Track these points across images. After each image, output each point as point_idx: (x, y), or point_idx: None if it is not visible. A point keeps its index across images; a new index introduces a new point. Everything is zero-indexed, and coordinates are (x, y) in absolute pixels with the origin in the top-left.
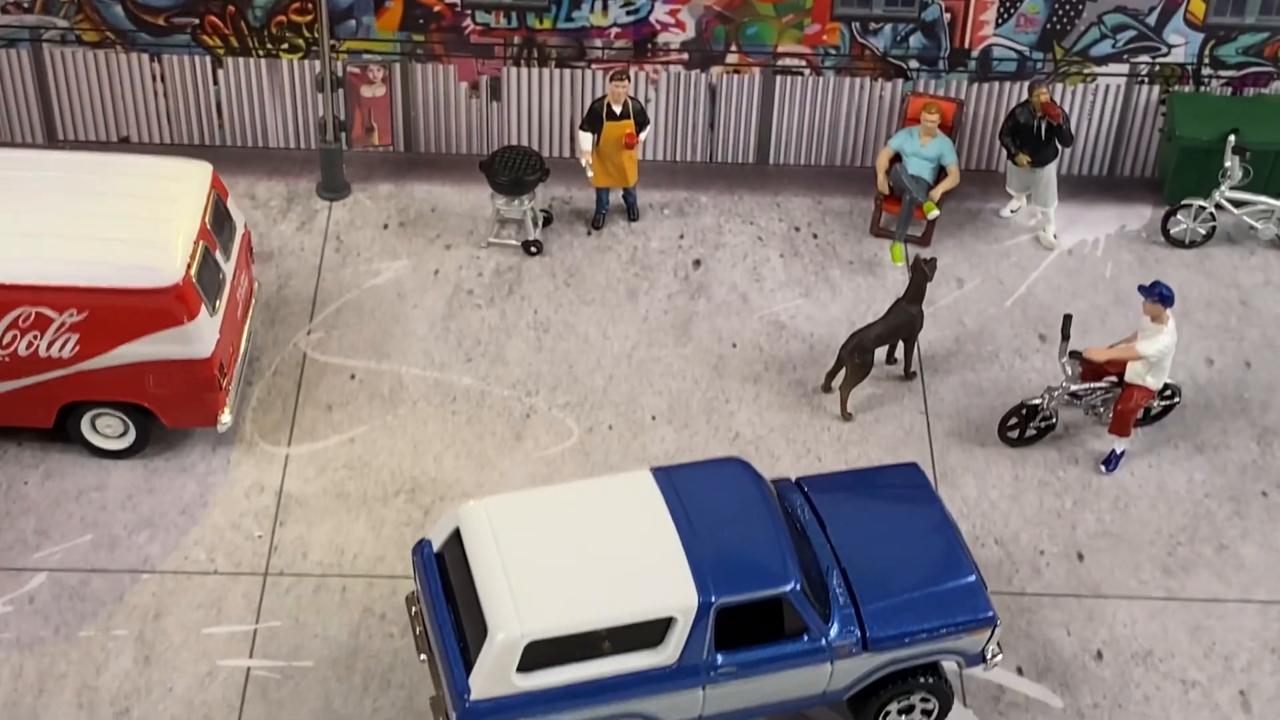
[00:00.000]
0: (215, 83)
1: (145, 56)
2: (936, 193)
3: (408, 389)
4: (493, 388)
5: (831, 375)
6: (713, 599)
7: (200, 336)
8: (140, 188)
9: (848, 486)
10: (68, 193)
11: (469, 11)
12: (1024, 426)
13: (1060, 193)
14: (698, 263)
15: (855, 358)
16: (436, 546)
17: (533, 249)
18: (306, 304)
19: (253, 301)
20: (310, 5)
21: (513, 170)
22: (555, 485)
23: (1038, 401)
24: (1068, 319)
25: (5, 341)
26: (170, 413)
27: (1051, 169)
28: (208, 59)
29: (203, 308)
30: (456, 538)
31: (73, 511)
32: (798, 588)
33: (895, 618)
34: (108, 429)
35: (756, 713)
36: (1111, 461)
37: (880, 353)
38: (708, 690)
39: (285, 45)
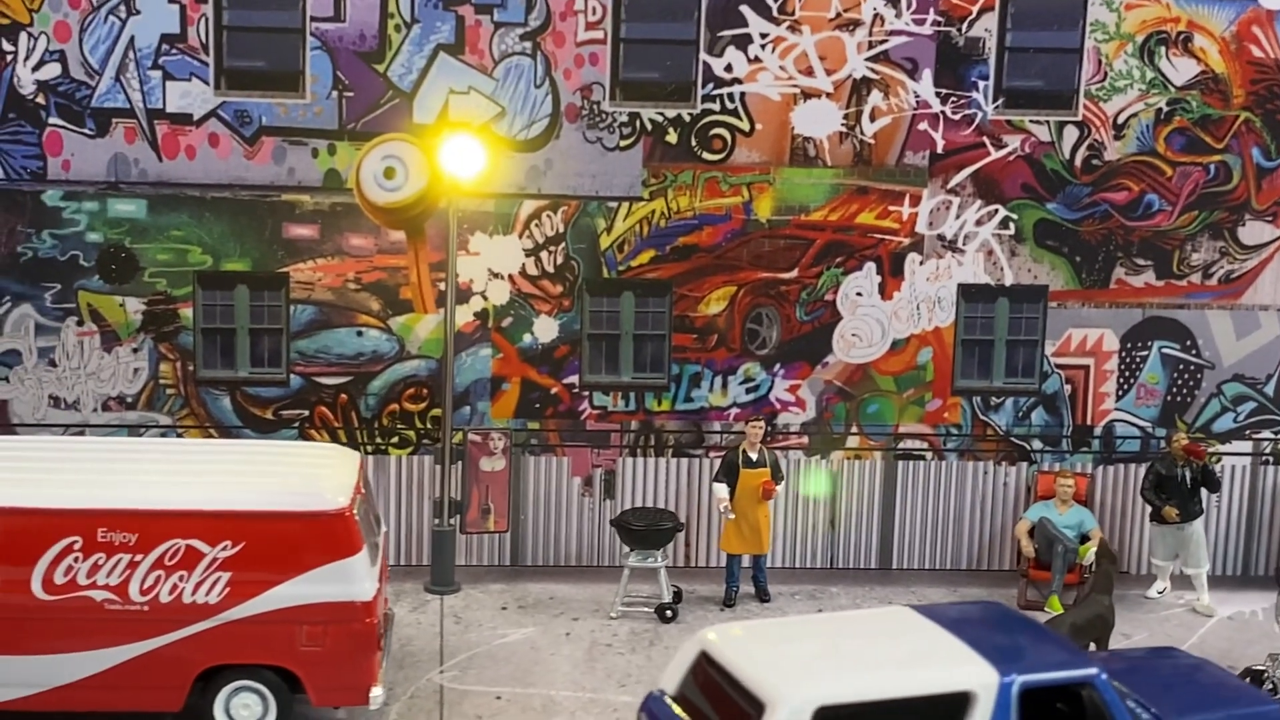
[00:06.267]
0: None
1: None
2: (1087, 547)
3: (562, 705)
4: None
5: None
6: (1014, 677)
7: (364, 575)
8: (297, 451)
9: (1111, 654)
10: (226, 455)
11: (587, 394)
12: None
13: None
14: None
15: None
16: (673, 689)
17: (668, 614)
18: (433, 655)
19: (388, 622)
20: (424, 391)
21: (647, 519)
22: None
23: (1263, 668)
24: None
25: (147, 585)
26: (320, 679)
27: (1200, 526)
28: None
29: (365, 548)
30: (702, 662)
31: None
32: (1104, 676)
33: None
34: (244, 710)
35: None
36: None
37: None
38: None
39: (395, 439)
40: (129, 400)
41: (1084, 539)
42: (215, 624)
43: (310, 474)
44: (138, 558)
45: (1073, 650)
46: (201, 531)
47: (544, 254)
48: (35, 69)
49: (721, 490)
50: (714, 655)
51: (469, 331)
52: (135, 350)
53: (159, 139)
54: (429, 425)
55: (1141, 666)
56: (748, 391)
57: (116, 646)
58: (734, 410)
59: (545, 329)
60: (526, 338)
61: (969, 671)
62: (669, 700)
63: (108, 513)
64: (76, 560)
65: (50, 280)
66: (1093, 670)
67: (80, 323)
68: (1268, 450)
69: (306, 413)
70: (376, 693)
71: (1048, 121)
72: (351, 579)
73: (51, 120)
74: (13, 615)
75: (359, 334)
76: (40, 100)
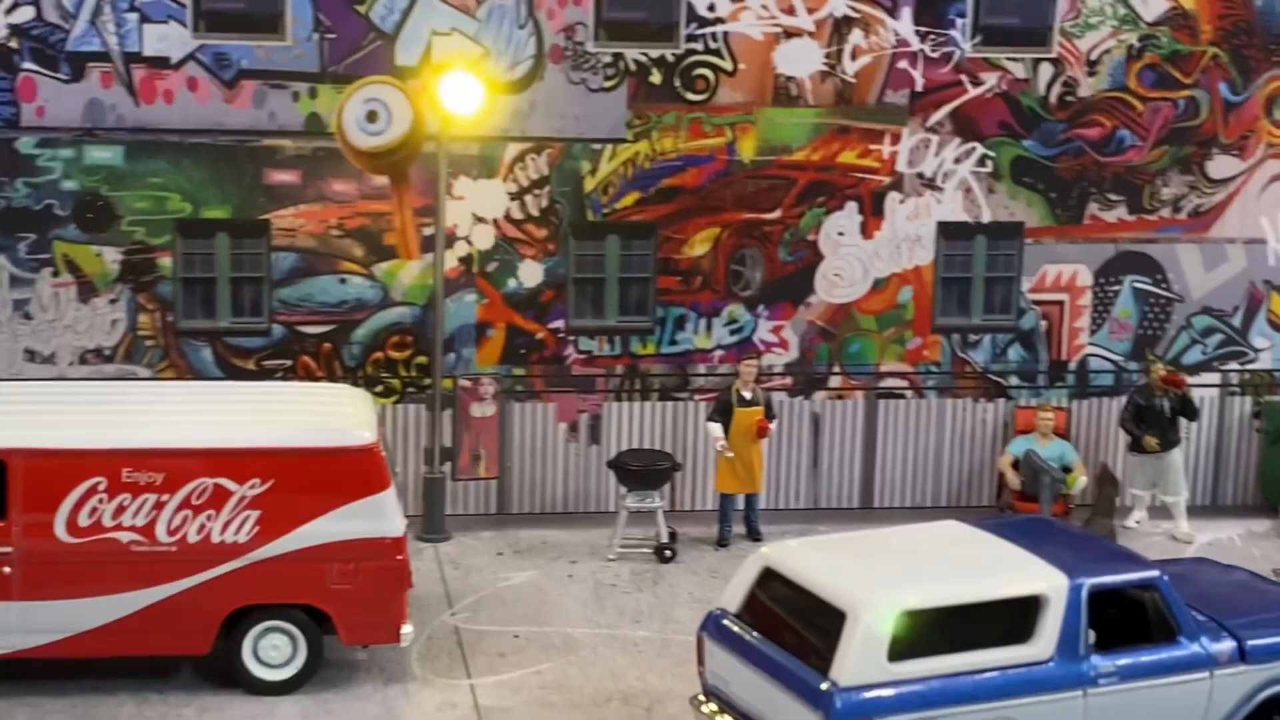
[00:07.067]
0: None
1: None
2: (1073, 478)
3: (581, 642)
4: (675, 635)
5: None
6: (1083, 580)
7: (394, 511)
8: (312, 391)
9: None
10: (246, 394)
11: (572, 339)
12: None
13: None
14: None
15: None
16: (735, 607)
17: (667, 554)
18: (440, 600)
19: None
20: (409, 339)
21: (644, 459)
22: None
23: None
24: None
25: (174, 526)
26: (351, 617)
27: (1179, 455)
28: None
29: (393, 484)
30: (766, 578)
31: None
32: (1167, 579)
33: (1266, 631)
34: (273, 651)
35: None
36: None
37: None
38: (1089, 699)
39: (379, 388)
40: (107, 353)
41: (1066, 471)
42: (245, 563)
43: (333, 411)
44: (164, 498)
45: (1133, 555)
46: (229, 470)
47: (528, 198)
48: (8, 12)
49: (717, 429)
50: (781, 570)
51: (454, 277)
52: (113, 301)
53: (136, 83)
54: (414, 373)
55: (1182, 574)
56: (732, 333)
57: (143, 589)
58: (718, 352)
59: (530, 274)
60: (511, 283)
61: (1039, 575)
62: (732, 619)
63: (132, 452)
64: (101, 502)
65: (25, 230)
66: (1155, 573)
67: (56, 274)
68: (1235, 382)
69: (289, 363)
70: (407, 630)
71: (1024, 59)
72: (382, 515)
73: (25, 65)
74: (36, 559)
75: (342, 281)
76: (13, 45)
